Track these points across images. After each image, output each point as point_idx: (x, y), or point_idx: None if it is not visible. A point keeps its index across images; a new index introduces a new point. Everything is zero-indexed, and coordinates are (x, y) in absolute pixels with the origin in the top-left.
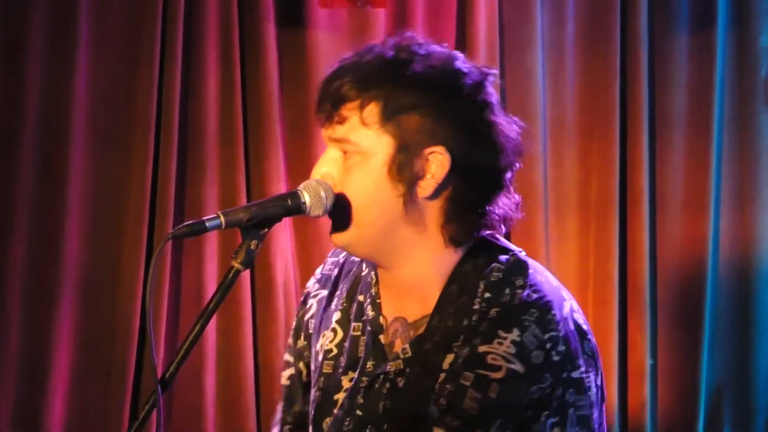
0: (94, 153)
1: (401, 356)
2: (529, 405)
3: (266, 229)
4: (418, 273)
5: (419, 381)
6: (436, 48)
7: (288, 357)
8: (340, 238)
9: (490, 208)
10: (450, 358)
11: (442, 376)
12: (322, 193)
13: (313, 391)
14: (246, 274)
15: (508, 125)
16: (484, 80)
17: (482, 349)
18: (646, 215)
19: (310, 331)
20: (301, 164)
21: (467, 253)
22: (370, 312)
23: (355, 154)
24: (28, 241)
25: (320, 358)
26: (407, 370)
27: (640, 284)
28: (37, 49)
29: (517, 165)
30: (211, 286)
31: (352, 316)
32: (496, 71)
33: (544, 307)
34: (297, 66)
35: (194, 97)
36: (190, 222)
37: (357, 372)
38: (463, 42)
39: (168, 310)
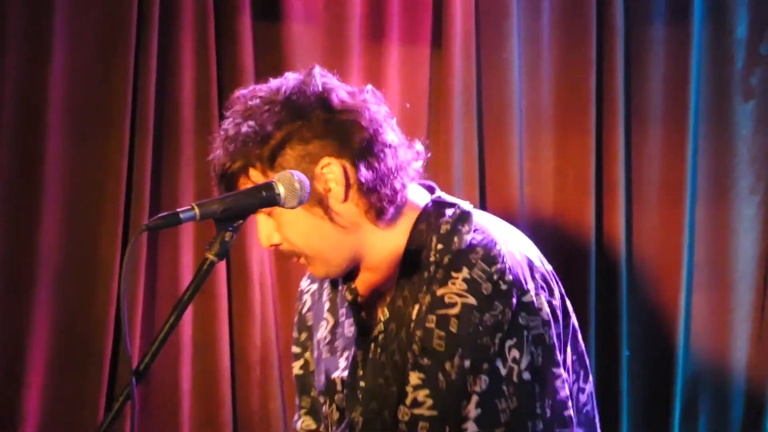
0: (70, 145)
1: (382, 319)
2: (485, 332)
3: (241, 221)
4: (380, 253)
5: (396, 335)
6: (266, 86)
7: (296, 349)
8: (317, 274)
9: (397, 168)
10: (417, 308)
11: (412, 325)
12: (297, 185)
13: (319, 377)
14: (222, 266)
15: (355, 97)
16: (308, 81)
17: (440, 292)
18: (622, 206)
19: (309, 323)
20: None
21: (420, 216)
22: (348, 296)
23: (273, 210)
24: (4, 232)
25: (321, 346)
26: (386, 328)
27: (616, 275)
28: (12, 39)
29: (390, 119)
30: (186, 278)
31: (338, 304)
32: (315, 66)
33: (488, 244)
34: (273, 58)
35: (170, 89)
36: (165, 214)
37: (351, 350)
38: (439, 34)
39: (143, 302)
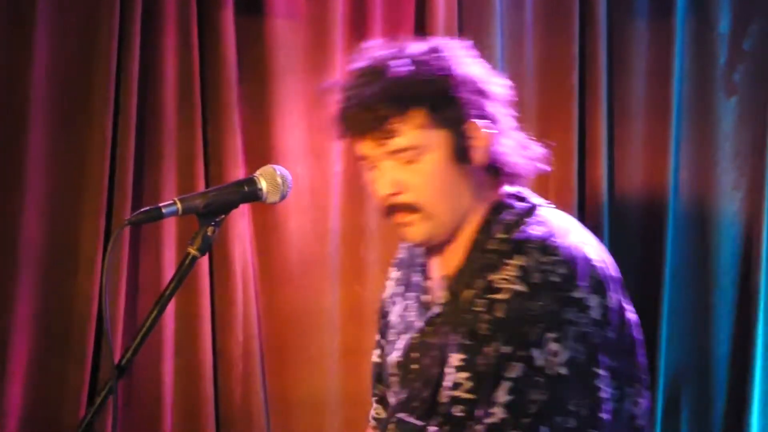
0: (52, 139)
1: (441, 303)
2: (530, 321)
3: (223, 216)
4: (463, 233)
5: (450, 318)
6: (414, 45)
7: (377, 337)
8: (419, 234)
9: (520, 149)
10: (470, 292)
11: (464, 309)
12: (279, 180)
13: (385, 361)
14: (204, 261)
15: (482, 70)
16: (460, 47)
17: (491, 277)
18: (604, 201)
19: (386, 309)
20: (259, 151)
21: (495, 206)
22: (417, 279)
23: (421, 156)
24: None
25: (388, 329)
26: (443, 311)
27: None
28: None
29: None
30: (168, 273)
31: (408, 288)
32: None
33: (547, 235)
34: (255, 52)
35: (152, 83)
36: (147, 208)
37: (409, 334)
38: (421, 27)
39: (126, 297)
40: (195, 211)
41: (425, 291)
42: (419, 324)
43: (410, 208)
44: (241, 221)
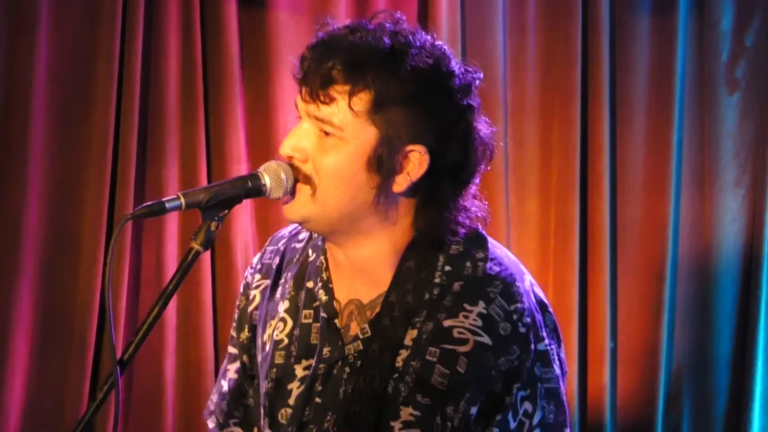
0: (54, 132)
1: (361, 337)
2: (498, 377)
3: (226, 211)
4: (374, 253)
5: (379, 358)
6: (427, 39)
7: (232, 349)
8: (297, 211)
9: (460, 207)
10: (413, 333)
11: (405, 352)
12: (283, 175)
13: (264, 383)
14: (206, 256)
15: (485, 129)
16: (472, 83)
17: (447, 323)
18: (606, 197)
19: (254, 323)
20: (261, 145)
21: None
22: (322, 297)
23: (335, 137)
24: None
25: (268, 348)
26: (366, 349)
27: (601, 266)
28: None
29: (485, 167)
30: (170, 267)
31: (301, 304)
32: (481, 74)
33: (507, 279)
34: (258, 46)
35: (155, 77)
36: (150, 203)
37: (314, 359)
38: (424, 23)
39: (128, 291)
40: (198, 205)
41: (334, 313)
42: (325, 353)
43: (300, 174)
44: (243, 216)
